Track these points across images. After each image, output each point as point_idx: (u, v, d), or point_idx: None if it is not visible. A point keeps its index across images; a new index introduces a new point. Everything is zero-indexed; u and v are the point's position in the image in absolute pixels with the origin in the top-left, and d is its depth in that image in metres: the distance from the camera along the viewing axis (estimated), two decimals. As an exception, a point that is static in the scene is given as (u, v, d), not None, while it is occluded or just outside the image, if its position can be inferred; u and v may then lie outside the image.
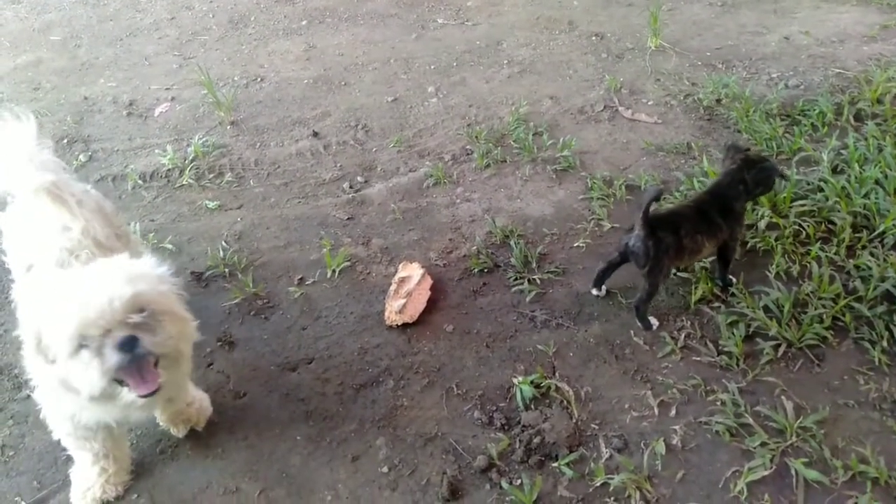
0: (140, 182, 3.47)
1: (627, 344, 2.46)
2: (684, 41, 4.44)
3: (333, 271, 2.87)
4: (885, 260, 2.59)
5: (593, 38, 4.55)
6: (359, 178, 3.44)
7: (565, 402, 2.25)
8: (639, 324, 2.48)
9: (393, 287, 2.72)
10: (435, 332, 2.58)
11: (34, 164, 1.89)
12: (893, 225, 2.70)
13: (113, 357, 1.49)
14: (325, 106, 4.02)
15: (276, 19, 5.12)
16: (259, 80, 4.35)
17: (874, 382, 2.22)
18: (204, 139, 3.72)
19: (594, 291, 2.64)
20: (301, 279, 2.84)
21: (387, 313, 2.63)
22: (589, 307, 2.62)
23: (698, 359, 2.37)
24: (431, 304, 2.67)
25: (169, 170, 3.52)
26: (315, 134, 3.75)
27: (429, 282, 2.73)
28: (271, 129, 3.85)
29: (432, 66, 4.35)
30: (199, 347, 2.40)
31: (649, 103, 3.82)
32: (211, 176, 3.49)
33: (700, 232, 2.37)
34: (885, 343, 2.32)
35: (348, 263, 2.91)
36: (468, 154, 3.53)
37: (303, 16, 5.12)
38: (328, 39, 4.77)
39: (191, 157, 3.57)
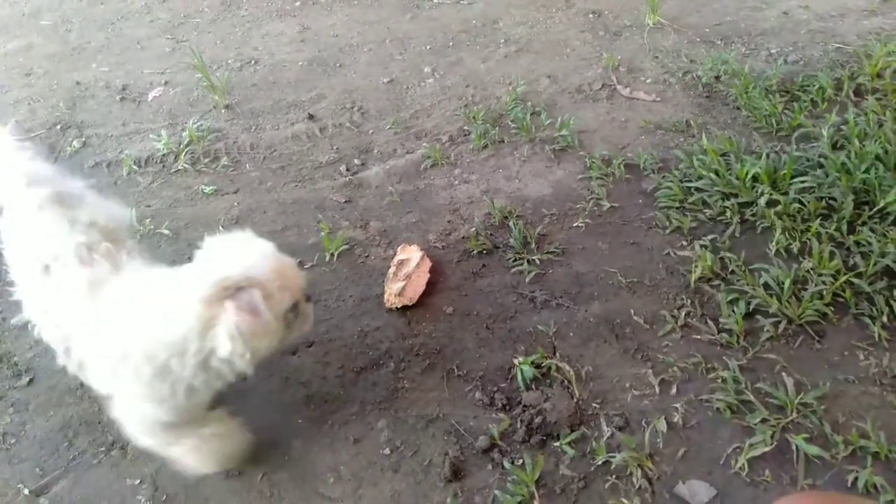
0: (135, 167, 3.45)
1: (627, 323, 2.45)
2: (683, 17, 4.39)
3: (332, 255, 2.86)
4: (885, 235, 2.58)
5: (590, 15, 4.49)
6: (356, 161, 3.41)
7: (566, 381, 2.25)
8: None
9: (392, 270, 2.70)
10: (435, 315, 2.58)
11: (27, 179, 1.88)
12: (894, 200, 2.69)
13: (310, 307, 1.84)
14: (320, 88, 3.98)
15: (269, 1, 5.05)
16: (253, 62, 4.30)
17: (874, 358, 2.22)
18: (199, 123, 3.69)
19: None
20: (300, 263, 2.82)
21: (386, 296, 2.62)
22: (589, 287, 2.61)
23: (699, 337, 2.37)
24: (431, 287, 2.66)
25: (164, 155, 3.49)
26: (311, 117, 3.72)
27: (428, 264, 2.72)
28: (266, 113, 3.81)
29: (428, 47, 4.30)
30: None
31: (648, 81, 3.78)
32: (206, 160, 3.46)
33: None
34: (885, 318, 2.31)
35: (346, 247, 2.90)
36: (466, 135, 3.50)
37: (296, -4, 5.05)
38: (322, 20, 4.71)
39: (186, 142, 3.54)
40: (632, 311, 2.48)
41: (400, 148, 3.47)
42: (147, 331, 1.57)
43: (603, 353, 2.36)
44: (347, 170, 3.36)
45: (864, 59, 3.69)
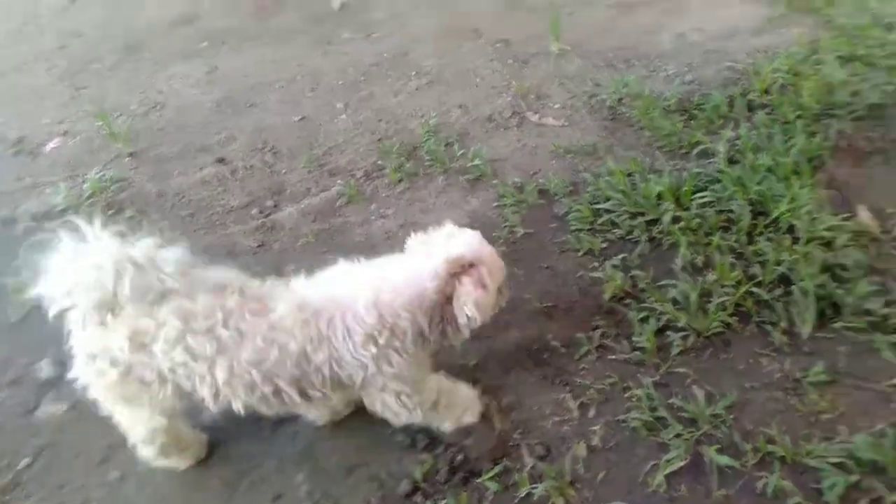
0: (32, 224, 3.27)
1: (545, 349, 2.48)
2: (586, 43, 4.56)
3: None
4: (779, 244, 2.71)
5: (499, 44, 4.61)
6: (268, 203, 3.35)
7: (488, 414, 2.25)
8: None
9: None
10: (354, 356, 2.53)
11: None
12: (786, 210, 2.84)
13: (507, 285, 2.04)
14: (230, 129, 3.91)
15: (174, 42, 4.95)
16: (159, 106, 4.19)
17: (777, 363, 2.32)
18: (101, 174, 3.55)
19: None
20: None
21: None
22: (507, 315, 2.61)
23: (614, 357, 2.41)
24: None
25: (63, 209, 3.33)
26: (221, 160, 3.64)
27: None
28: (174, 158, 3.70)
29: (340, 82, 4.30)
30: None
31: (556, 106, 3.90)
32: (111, 213, 3.33)
33: None
34: (784, 324, 2.42)
35: (261, 292, 2.82)
36: (380, 169, 3.51)
37: (203, 37, 4.97)
38: (231, 60, 4.65)
39: (87, 194, 3.40)
40: (549, 337, 2.51)
41: (314, 186, 3.44)
42: (404, 307, 1.78)
43: (523, 381, 2.37)
44: (260, 212, 3.30)
45: (754, 76, 3.92)
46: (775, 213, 2.84)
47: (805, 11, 4.82)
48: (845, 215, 2.85)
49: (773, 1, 5.00)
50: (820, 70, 3.85)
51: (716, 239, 2.77)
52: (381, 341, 1.76)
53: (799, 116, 3.46)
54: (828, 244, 2.72)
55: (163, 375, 1.70)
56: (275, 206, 3.35)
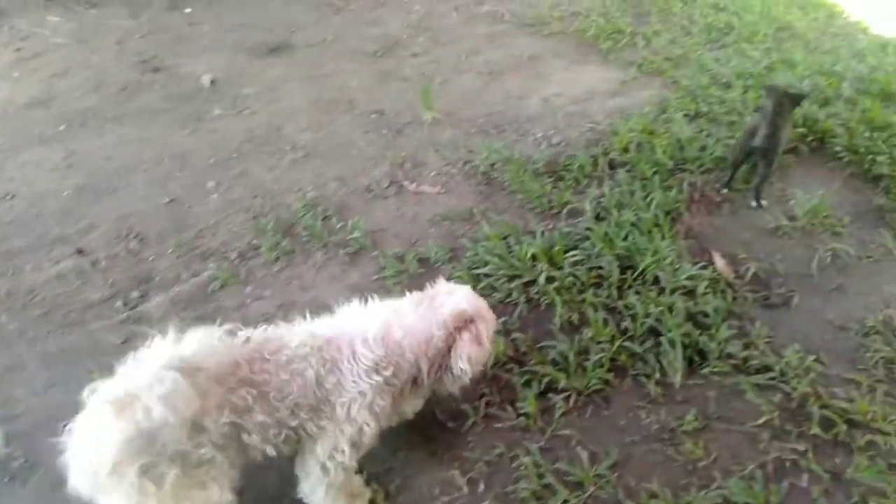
0: None
1: (432, 423, 2.43)
2: (459, 111, 4.72)
3: (109, 407, 2.54)
4: (647, 297, 2.85)
5: (373, 115, 4.67)
6: (134, 294, 3.14)
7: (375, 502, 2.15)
8: (753, 202, 3.52)
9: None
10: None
11: None
12: (651, 263, 3.00)
13: None
14: (90, 217, 3.66)
15: (27, 126, 4.63)
16: (9, 196, 3.86)
17: (654, 415, 2.40)
18: (-63, 276, 3.20)
19: (724, 191, 3.63)
20: (67, 427, 2.46)
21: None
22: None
23: (500, 425, 2.40)
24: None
25: None
26: (79, 251, 3.38)
27: (219, 398, 2.52)
28: (26, 252, 3.40)
29: (211, 160, 4.17)
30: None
31: (432, 174, 3.97)
32: (-51, 320, 2.99)
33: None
34: (657, 375, 2.52)
35: (126, 394, 2.59)
36: (256, 249, 3.39)
37: (60, 120, 4.69)
38: (91, 143, 4.40)
39: (-81, 301, 3.04)
40: (435, 412, 2.46)
41: (185, 272, 3.26)
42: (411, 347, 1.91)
43: (411, 462, 2.30)
44: (125, 305, 3.07)
45: (613, 136, 4.19)
46: (641, 266, 3.00)
47: (654, 74, 5.27)
48: (703, 264, 3.06)
49: (625, 65, 5.43)
50: (670, 128, 4.19)
51: (588, 296, 2.88)
52: (386, 374, 1.87)
53: (655, 172, 3.72)
54: (690, 293, 2.90)
55: (218, 445, 1.68)
56: (141, 296, 3.14)
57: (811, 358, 2.59)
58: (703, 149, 3.97)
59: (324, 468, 1.90)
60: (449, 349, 1.94)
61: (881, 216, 3.46)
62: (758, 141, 3.35)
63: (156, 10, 6.68)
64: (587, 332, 2.70)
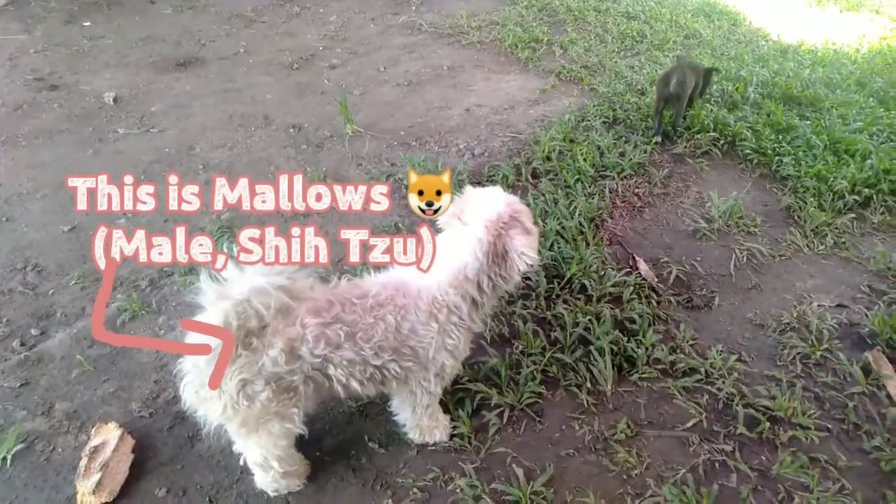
0: None
1: (364, 452, 2.32)
2: (378, 124, 4.63)
3: (3, 459, 2.30)
4: (575, 306, 2.84)
5: (291, 130, 4.52)
6: (32, 331, 2.87)
7: (304, 543, 2.02)
8: (658, 137, 4.28)
9: (83, 462, 2.24)
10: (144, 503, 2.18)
11: None
12: (577, 271, 3.00)
13: None
14: (-21, 250, 3.34)
15: None
16: None
17: (587, 425, 2.38)
18: None
19: (658, 139, 4.28)
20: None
21: (79, 498, 2.15)
22: (320, 422, 2.43)
23: (434, 447, 2.32)
24: (137, 469, 2.26)
25: None
26: (-33, 287, 3.08)
27: (130, 443, 2.31)
28: None
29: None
30: None
31: (354, 189, 3.85)
32: None
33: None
34: (588, 384, 2.51)
35: (23, 445, 2.35)
36: (168, 275, 3.18)
37: (-57, 144, 4.29)
38: (-20, 169, 4.04)
39: None
40: (365, 438, 2.36)
41: (89, 305, 3.01)
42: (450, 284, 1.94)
43: (341, 494, 2.18)
44: (22, 344, 2.81)
45: (534, 144, 4.21)
46: (568, 275, 2.99)
47: (572, 82, 5.36)
48: (627, 269, 3.09)
49: (544, 73, 5.51)
50: (589, 135, 4.25)
51: (518, 308, 2.84)
52: (441, 318, 1.95)
53: (578, 180, 3.75)
54: (616, 299, 2.91)
55: (307, 375, 1.84)
56: (41, 333, 2.87)
57: (734, 357, 2.65)
58: (622, 155, 4.05)
59: (412, 393, 2.10)
60: (500, 256, 1.93)
61: (790, 215, 3.62)
62: (672, 87, 4.13)
63: (52, 23, 6.27)
64: (518, 346, 2.66)
